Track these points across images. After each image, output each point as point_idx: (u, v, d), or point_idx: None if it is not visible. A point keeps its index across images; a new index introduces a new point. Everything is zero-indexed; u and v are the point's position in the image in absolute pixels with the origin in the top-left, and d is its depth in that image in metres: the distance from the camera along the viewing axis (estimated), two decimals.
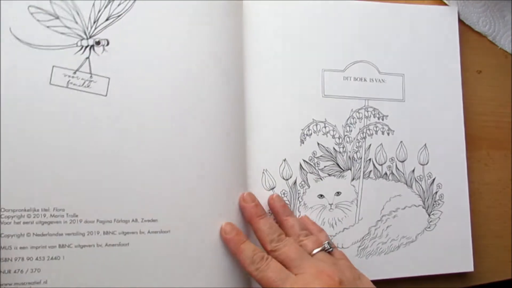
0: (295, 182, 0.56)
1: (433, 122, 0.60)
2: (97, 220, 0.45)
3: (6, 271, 0.42)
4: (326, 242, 0.51)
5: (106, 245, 0.45)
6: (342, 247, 0.56)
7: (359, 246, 0.57)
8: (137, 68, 0.48)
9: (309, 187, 0.56)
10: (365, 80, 0.59)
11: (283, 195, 0.55)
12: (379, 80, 0.59)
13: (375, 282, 0.56)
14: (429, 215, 0.59)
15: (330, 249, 0.51)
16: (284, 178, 0.56)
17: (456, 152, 0.61)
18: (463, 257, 0.59)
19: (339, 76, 0.58)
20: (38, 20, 0.45)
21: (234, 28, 0.56)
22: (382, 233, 0.57)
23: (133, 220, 0.46)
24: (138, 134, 0.47)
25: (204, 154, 0.50)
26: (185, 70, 0.50)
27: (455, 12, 0.63)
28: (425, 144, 0.59)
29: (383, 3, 0.61)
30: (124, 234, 0.46)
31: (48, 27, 0.45)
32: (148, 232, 0.47)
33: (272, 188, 0.55)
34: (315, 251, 0.50)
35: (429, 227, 0.59)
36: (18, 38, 0.44)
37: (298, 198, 0.56)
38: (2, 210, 0.43)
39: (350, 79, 0.58)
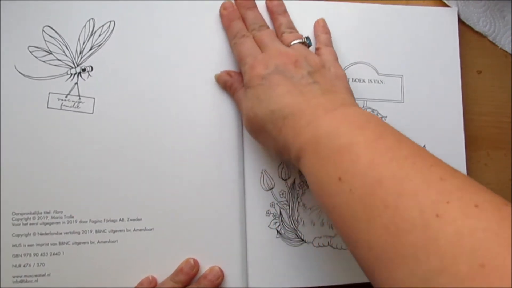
0: (294, 183, 0.56)
1: (433, 123, 0.60)
2: (90, 220, 0.52)
3: (17, 265, 0.51)
4: (306, 36, 0.54)
5: (98, 242, 0.52)
6: (342, 248, 0.56)
7: None
8: (119, 86, 0.54)
9: (308, 187, 0.56)
10: (363, 81, 0.59)
11: (281, 196, 0.56)
12: (378, 81, 0.59)
13: None
14: None
15: (308, 42, 0.54)
16: (282, 179, 0.56)
17: (455, 153, 0.60)
18: None
19: None
20: (36, 57, 0.53)
21: None
22: None
23: (120, 220, 0.53)
24: (122, 144, 0.53)
25: (196, 156, 0.54)
26: (174, 79, 0.56)
27: (455, 13, 0.62)
28: (424, 145, 0.59)
29: (382, 4, 0.61)
30: (113, 232, 0.52)
31: (44, 61, 0.53)
32: (134, 230, 0.53)
33: (271, 189, 0.55)
34: (292, 43, 0.52)
35: None
36: (21, 73, 0.53)
37: (297, 198, 0.56)
38: (13, 213, 0.51)
39: (348, 80, 0.58)
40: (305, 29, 0.58)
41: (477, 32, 0.65)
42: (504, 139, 0.64)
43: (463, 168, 0.60)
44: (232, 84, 0.54)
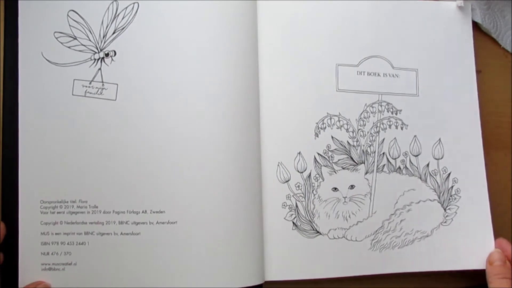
0: (309, 175, 0.56)
1: (449, 117, 0.60)
2: (113, 211, 0.52)
3: (45, 253, 0.51)
4: None
5: (121, 233, 0.51)
6: (356, 240, 0.56)
7: (373, 240, 0.57)
8: (141, 72, 0.53)
9: (323, 180, 0.56)
10: (378, 75, 0.59)
11: (297, 188, 0.55)
12: (393, 75, 0.59)
13: (389, 275, 0.57)
14: (445, 210, 0.59)
15: None
16: (298, 171, 0.56)
17: (473, 147, 0.60)
18: (483, 253, 0.59)
19: (353, 71, 0.58)
20: (61, 43, 0.53)
21: (249, 26, 0.56)
22: (396, 227, 0.57)
23: (143, 211, 0.52)
24: (145, 132, 0.52)
25: (215, 148, 0.53)
26: (196, 68, 0.54)
27: (468, 8, 0.63)
28: (439, 139, 0.59)
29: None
30: (136, 224, 0.52)
31: (69, 47, 0.53)
32: (157, 222, 0.52)
33: (287, 181, 0.55)
34: None
35: (445, 222, 0.59)
36: (48, 60, 0.52)
37: (313, 191, 0.56)
38: (41, 202, 0.51)
39: (363, 74, 0.58)
40: (320, 24, 0.58)
41: (477, 32, 0.65)
42: (504, 139, 0.65)
43: (481, 162, 0.60)
44: None
